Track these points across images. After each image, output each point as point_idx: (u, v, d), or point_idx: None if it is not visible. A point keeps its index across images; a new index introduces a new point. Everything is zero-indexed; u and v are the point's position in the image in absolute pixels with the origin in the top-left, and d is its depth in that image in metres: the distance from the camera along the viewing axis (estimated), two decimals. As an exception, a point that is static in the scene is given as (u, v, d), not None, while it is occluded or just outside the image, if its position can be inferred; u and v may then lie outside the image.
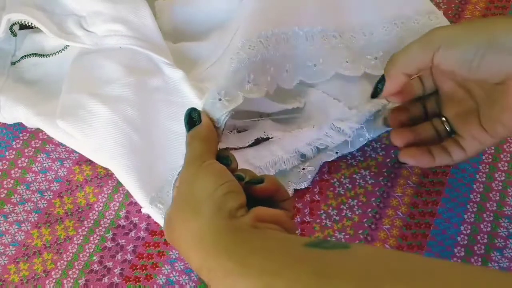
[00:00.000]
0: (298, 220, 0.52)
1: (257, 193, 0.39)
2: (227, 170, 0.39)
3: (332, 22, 0.53)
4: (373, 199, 0.53)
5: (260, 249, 0.33)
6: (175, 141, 0.50)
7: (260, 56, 0.47)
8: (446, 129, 0.48)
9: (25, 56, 0.56)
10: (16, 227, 0.52)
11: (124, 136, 0.48)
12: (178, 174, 0.43)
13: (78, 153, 0.54)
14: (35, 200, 0.53)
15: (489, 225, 0.51)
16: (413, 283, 0.28)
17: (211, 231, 0.35)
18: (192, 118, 0.42)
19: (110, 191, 0.53)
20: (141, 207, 0.50)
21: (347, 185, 0.54)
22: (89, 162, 0.54)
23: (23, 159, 0.55)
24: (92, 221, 0.52)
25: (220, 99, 0.43)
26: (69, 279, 0.49)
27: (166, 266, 0.50)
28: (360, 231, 0.52)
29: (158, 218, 0.48)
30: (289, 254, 0.33)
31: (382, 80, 0.45)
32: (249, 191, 0.39)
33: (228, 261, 0.33)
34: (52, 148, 0.55)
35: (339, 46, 0.53)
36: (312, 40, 0.52)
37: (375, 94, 0.46)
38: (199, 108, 0.43)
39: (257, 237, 0.35)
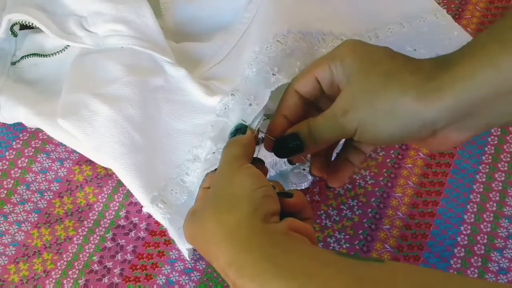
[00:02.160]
0: (298, 220, 0.52)
1: (285, 206, 0.39)
2: (264, 176, 0.39)
3: (339, 27, 0.54)
4: (373, 199, 0.53)
5: (294, 252, 0.33)
6: (178, 139, 0.50)
7: (280, 53, 0.48)
8: None
9: (25, 56, 0.56)
10: (16, 227, 0.52)
11: (125, 135, 0.48)
12: (206, 175, 0.43)
13: (78, 153, 0.54)
14: (35, 200, 0.53)
15: (489, 225, 0.51)
16: None
17: (247, 228, 0.34)
18: (237, 132, 0.43)
19: (110, 191, 0.53)
20: (141, 207, 0.50)
21: (347, 185, 0.54)
22: (89, 162, 0.54)
23: (23, 159, 0.55)
24: (92, 221, 0.52)
25: (250, 104, 0.44)
26: (69, 279, 0.49)
27: (166, 266, 0.50)
28: (360, 231, 0.52)
29: (159, 217, 0.48)
30: (323, 259, 0.33)
31: (300, 147, 0.42)
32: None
33: (261, 259, 0.33)
34: (52, 148, 0.55)
35: None
36: (323, 42, 0.52)
37: (289, 153, 0.43)
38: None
39: (291, 242, 0.34)
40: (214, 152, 0.46)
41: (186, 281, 0.49)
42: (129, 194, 0.53)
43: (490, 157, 0.55)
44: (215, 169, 0.42)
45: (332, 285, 0.31)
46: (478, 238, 0.51)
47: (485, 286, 0.33)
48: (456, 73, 0.35)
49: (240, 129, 0.44)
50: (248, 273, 0.32)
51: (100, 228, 0.52)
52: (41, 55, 0.56)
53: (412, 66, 0.38)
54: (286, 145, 0.42)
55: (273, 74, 0.46)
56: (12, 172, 0.54)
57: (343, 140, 0.46)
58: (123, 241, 0.51)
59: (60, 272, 0.50)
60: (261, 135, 0.47)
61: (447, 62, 0.37)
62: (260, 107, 0.44)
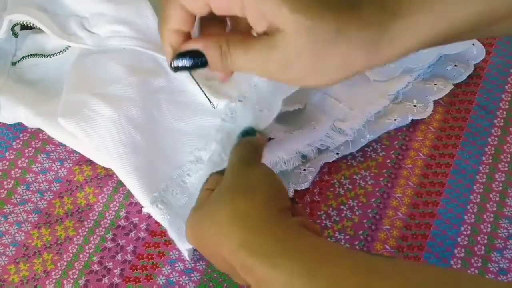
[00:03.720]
0: (299, 220, 0.52)
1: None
2: (277, 174, 0.40)
3: None
4: (373, 199, 0.53)
5: (307, 240, 0.34)
6: (180, 140, 0.50)
7: None
8: None
9: (26, 56, 0.56)
10: (16, 227, 0.52)
11: (127, 136, 0.48)
12: (209, 176, 0.44)
13: (78, 153, 0.54)
14: (35, 200, 0.53)
15: (489, 226, 0.51)
16: None
17: (261, 214, 0.35)
18: (247, 133, 0.44)
19: (110, 191, 0.53)
20: (141, 208, 0.50)
21: (347, 185, 0.54)
22: (89, 162, 0.54)
23: (23, 159, 0.55)
24: (92, 222, 0.52)
25: (261, 110, 0.45)
26: (69, 279, 0.49)
27: (166, 266, 0.50)
28: (360, 232, 0.52)
29: (159, 218, 0.48)
30: (334, 249, 0.34)
31: (203, 64, 0.36)
32: None
33: (274, 241, 0.34)
34: (52, 149, 0.55)
35: None
36: None
37: (188, 68, 0.37)
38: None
39: (304, 232, 0.35)
40: (220, 154, 0.47)
41: (186, 282, 0.49)
42: (129, 194, 0.53)
43: (490, 157, 0.55)
44: (220, 170, 0.42)
45: (342, 271, 0.32)
46: (478, 238, 0.51)
47: (487, 283, 0.33)
48: (406, 23, 0.33)
49: (249, 132, 0.44)
50: (260, 253, 0.33)
51: (100, 228, 0.52)
52: (42, 55, 0.56)
53: (355, 17, 0.34)
54: (187, 59, 0.37)
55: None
56: (12, 172, 0.54)
57: None
58: (123, 241, 0.51)
59: (60, 272, 0.50)
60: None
61: (393, 5, 0.34)
62: (273, 114, 0.45)
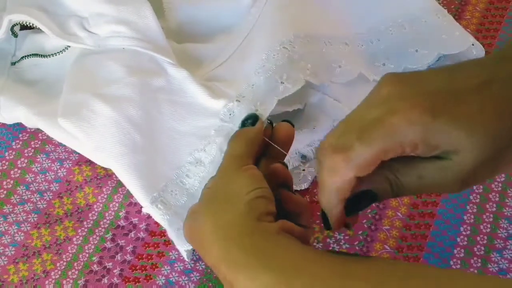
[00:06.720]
0: (298, 221, 0.52)
1: (289, 203, 0.40)
2: (263, 178, 0.39)
3: (342, 30, 0.55)
4: (373, 200, 0.53)
5: (283, 249, 0.35)
6: (180, 141, 0.50)
7: (287, 59, 0.48)
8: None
9: (25, 56, 0.56)
10: (16, 227, 0.52)
11: (126, 136, 0.48)
12: (211, 178, 0.44)
13: (78, 153, 0.54)
14: (35, 200, 0.53)
15: (489, 226, 0.51)
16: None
17: (239, 227, 0.36)
18: (247, 122, 0.44)
19: (109, 191, 0.53)
20: (140, 208, 0.50)
21: (347, 186, 0.54)
22: (89, 162, 0.54)
23: (22, 159, 0.55)
24: (91, 222, 0.52)
25: (256, 110, 0.45)
26: (68, 279, 0.49)
27: (165, 266, 0.50)
28: (360, 232, 0.52)
29: (159, 218, 0.48)
30: (310, 255, 0.34)
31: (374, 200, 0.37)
32: (280, 202, 0.40)
33: (252, 255, 0.34)
34: (52, 149, 0.55)
35: (352, 53, 0.54)
36: (330, 45, 0.53)
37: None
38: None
39: (282, 240, 0.36)
40: (221, 155, 0.47)
41: (186, 282, 0.49)
42: (128, 194, 0.53)
43: (490, 158, 0.55)
44: None
45: (318, 278, 0.32)
46: (478, 239, 0.51)
47: (467, 277, 0.34)
48: None
49: (251, 119, 0.44)
50: (239, 267, 0.34)
51: (100, 228, 0.52)
52: (42, 55, 0.56)
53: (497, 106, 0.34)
54: (359, 203, 0.38)
55: (281, 83, 0.47)
56: (12, 172, 0.54)
57: None
58: (122, 241, 0.51)
59: (59, 272, 0.50)
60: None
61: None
62: (266, 113, 0.45)
